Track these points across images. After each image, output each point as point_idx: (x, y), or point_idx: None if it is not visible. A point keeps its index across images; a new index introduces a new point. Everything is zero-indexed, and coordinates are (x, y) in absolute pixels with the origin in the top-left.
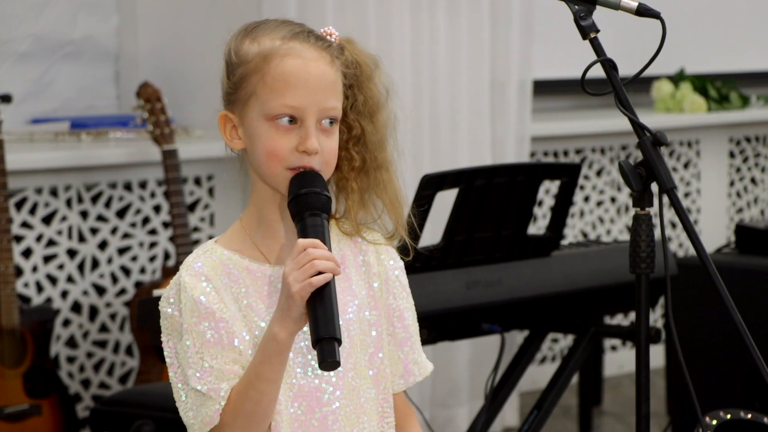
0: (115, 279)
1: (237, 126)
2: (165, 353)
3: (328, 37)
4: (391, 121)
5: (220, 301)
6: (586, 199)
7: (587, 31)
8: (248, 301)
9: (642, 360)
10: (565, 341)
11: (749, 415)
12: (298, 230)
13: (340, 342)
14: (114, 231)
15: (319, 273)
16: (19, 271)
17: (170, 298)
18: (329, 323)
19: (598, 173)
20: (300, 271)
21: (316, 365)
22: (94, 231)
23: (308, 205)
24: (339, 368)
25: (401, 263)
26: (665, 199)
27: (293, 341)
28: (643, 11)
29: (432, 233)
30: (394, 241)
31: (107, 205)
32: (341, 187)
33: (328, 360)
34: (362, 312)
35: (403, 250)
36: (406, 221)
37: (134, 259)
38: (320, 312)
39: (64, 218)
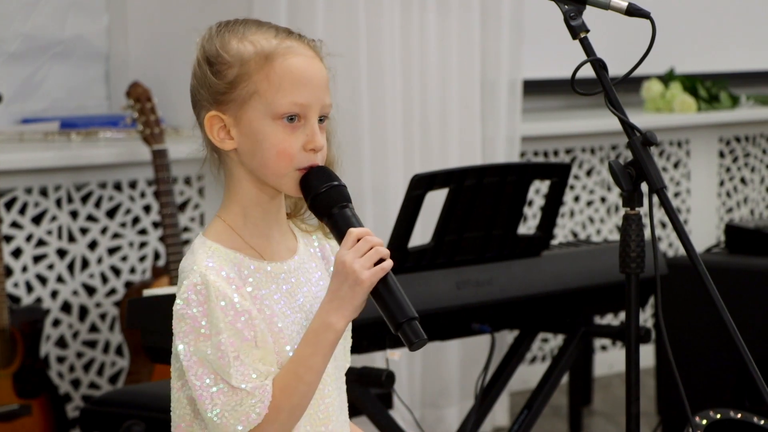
0: (105, 279)
1: (229, 126)
2: (182, 356)
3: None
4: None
5: (248, 299)
6: (576, 198)
7: (577, 31)
8: (264, 298)
9: (632, 360)
10: (555, 341)
11: (739, 415)
12: (329, 225)
13: (419, 320)
14: (104, 231)
15: (381, 260)
16: (8, 271)
17: (191, 300)
18: (405, 305)
19: (588, 173)
20: (365, 258)
21: None
22: (84, 231)
23: (334, 199)
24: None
25: None
26: (655, 198)
27: None
28: (633, 11)
29: (422, 233)
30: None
31: (97, 205)
32: None
33: (420, 339)
34: None
35: (398, 252)
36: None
37: (124, 259)
38: (391, 296)
39: (53, 218)
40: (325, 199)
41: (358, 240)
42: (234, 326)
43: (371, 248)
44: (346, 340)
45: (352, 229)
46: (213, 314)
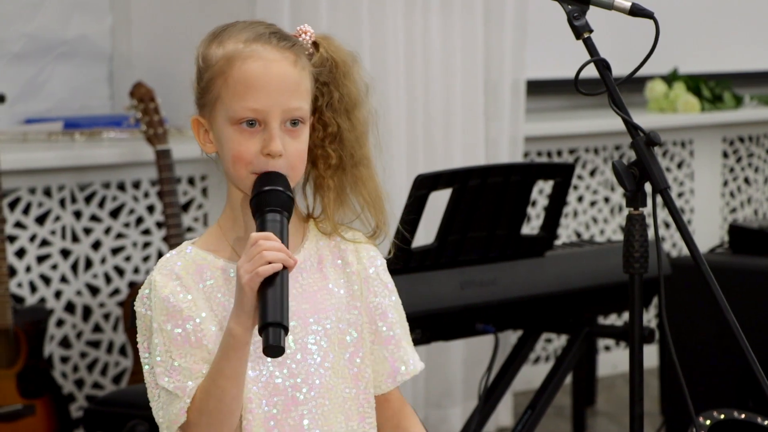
0: (108, 279)
1: (208, 130)
2: (140, 353)
3: (303, 35)
4: (371, 117)
5: (191, 300)
6: (580, 199)
7: (580, 31)
8: (221, 300)
9: (635, 360)
10: (559, 341)
11: (743, 415)
12: (257, 226)
13: (286, 330)
14: (107, 231)
15: (269, 264)
16: (12, 271)
17: (143, 298)
18: (276, 309)
19: (592, 173)
20: (250, 263)
21: (292, 363)
22: (87, 231)
23: (267, 202)
24: (281, 355)
25: (382, 261)
26: (659, 199)
27: (250, 337)
28: (636, 11)
29: (426, 233)
30: (377, 239)
31: (101, 205)
32: (318, 186)
33: (272, 345)
34: (340, 311)
35: (401, 252)
36: (400, 220)
37: (128, 259)
38: (269, 299)
39: (57, 218)
40: (261, 201)
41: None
42: (164, 326)
43: (259, 252)
44: (356, 351)
45: (253, 234)
46: (153, 313)
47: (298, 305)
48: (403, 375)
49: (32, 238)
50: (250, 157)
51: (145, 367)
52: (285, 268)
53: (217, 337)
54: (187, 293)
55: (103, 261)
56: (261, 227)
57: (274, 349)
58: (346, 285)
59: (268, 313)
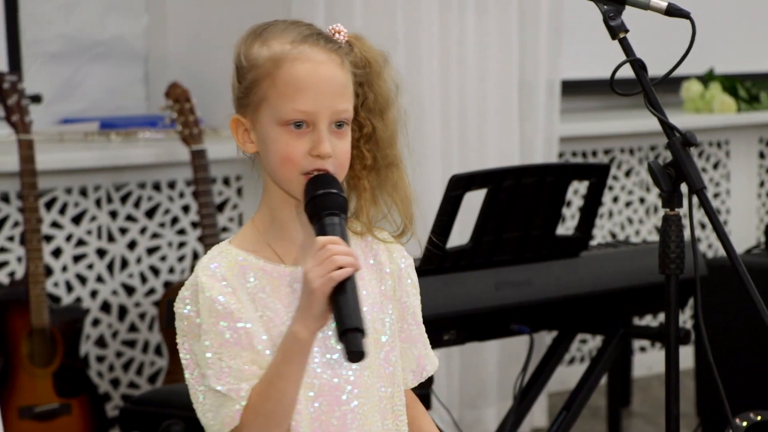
0: (144, 279)
1: (249, 130)
2: (181, 354)
3: (336, 35)
4: (400, 117)
5: (238, 301)
6: (615, 199)
7: (616, 31)
8: (266, 301)
9: (671, 361)
10: (594, 342)
11: None
12: (315, 230)
13: (365, 333)
14: (143, 231)
15: (340, 268)
16: (48, 271)
17: (186, 299)
18: (353, 315)
19: (627, 174)
20: (321, 267)
21: (336, 364)
22: (123, 231)
23: (325, 205)
24: (363, 360)
25: (411, 261)
26: (695, 199)
27: (314, 340)
28: (672, 11)
29: (460, 234)
30: (404, 238)
31: (136, 205)
32: (353, 186)
33: (354, 350)
34: (374, 312)
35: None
36: (434, 221)
37: (163, 259)
38: (343, 305)
39: (93, 218)
40: (318, 204)
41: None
42: (215, 327)
43: (330, 257)
44: (392, 350)
45: (318, 238)
46: (201, 315)
47: None
48: (427, 372)
49: (68, 238)
50: (298, 158)
51: (188, 369)
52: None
53: (264, 338)
54: (234, 294)
55: (138, 261)
56: (322, 231)
57: (357, 355)
58: (378, 284)
59: (347, 318)
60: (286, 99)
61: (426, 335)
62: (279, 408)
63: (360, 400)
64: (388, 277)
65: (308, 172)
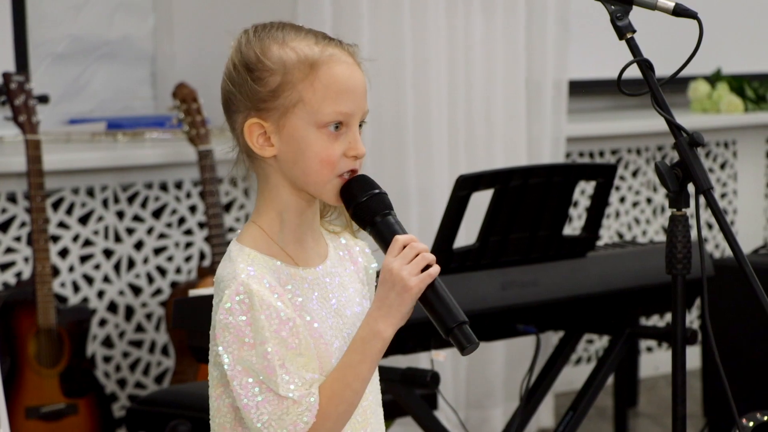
0: (150, 279)
1: (270, 133)
2: (226, 366)
3: None
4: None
5: (289, 306)
6: (622, 199)
7: (624, 31)
8: (301, 303)
9: (678, 361)
10: (601, 342)
11: None
12: (373, 234)
13: (469, 323)
14: (150, 231)
15: (428, 266)
16: (55, 271)
17: (234, 309)
18: (454, 309)
19: (634, 174)
20: (412, 265)
21: None
22: (130, 231)
23: (382, 205)
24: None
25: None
26: (702, 199)
27: None
28: (680, 11)
29: (467, 234)
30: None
31: (143, 205)
32: None
33: (472, 344)
34: (358, 309)
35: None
36: (441, 221)
37: (170, 259)
38: (440, 302)
39: (100, 218)
40: (367, 208)
41: (404, 247)
42: (279, 335)
43: (417, 254)
44: None
45: (398, 236)
46: (257, 323)
47: (345, 305)
48: None
49: (75, 238)
50: (336, 160)
51: (235, 379)
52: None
53: (312, 342)
54: (282, 299)
55: (145, 261)
56: (389, 229)
57: (473, 347)
58: (359, 282)
59: (454, 314)
60: (328, 101)
61: None
62: (351, 409)
63: (370, 397)
64: (362, 274)
65: (342, 175)
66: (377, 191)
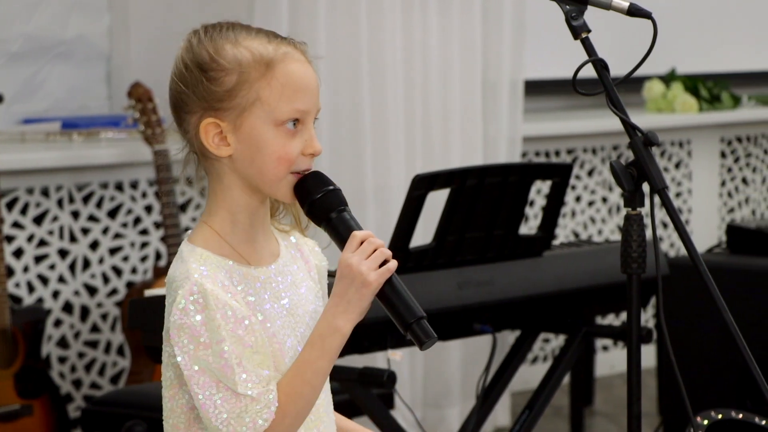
0: (106, 279)
1: (226, 133)
2: (182, 367)
3: None
4: None
5: (242, 304)
6: (578, 199)
7: (578, 31)
8: (254, 303)
9: (633, 360)
10: (557, 341)
11: (740, 415)
12: (328, 230)
13: (427, 318)
14: (105, 231)
15: (386, 261)
16: (10, 271)
17: (189, 309)
18: (412, 304)
19: (590, 173)
20: (371, 260)
21: None
22: (85, 231)
23: (336, 202)
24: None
25: (327, 261)
26: (656, 199)
27: None
28: (634, 11)
29: (423, 233)
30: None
31: (98, 205)
32: None
33: (431, 338)
34: (311, 307)
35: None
36: (397, 220)
37: (125, 259)
38: (398, 297)
39: (55, 218)
40: (322, 205)
41: (362, 242)
42: (235, 333)
43: (375, 250)
44: None
45: (355, 232)
46: (213, 322)
47: (298, 304)
48: None
49: (30, 238)
50: (294, 157)
51: (192, 379)
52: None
53: (267, 340)
54: (235, 297)
55: (101, 261)
56: (345, 226)
57: (431, 342)
58: (310, 279)
59: (412, 309)
60: (285, 99)
61: None
62: (309, 405)
63: (321, 395)
64: (314, 273)
65: (297, 172)
66: (332, 188)
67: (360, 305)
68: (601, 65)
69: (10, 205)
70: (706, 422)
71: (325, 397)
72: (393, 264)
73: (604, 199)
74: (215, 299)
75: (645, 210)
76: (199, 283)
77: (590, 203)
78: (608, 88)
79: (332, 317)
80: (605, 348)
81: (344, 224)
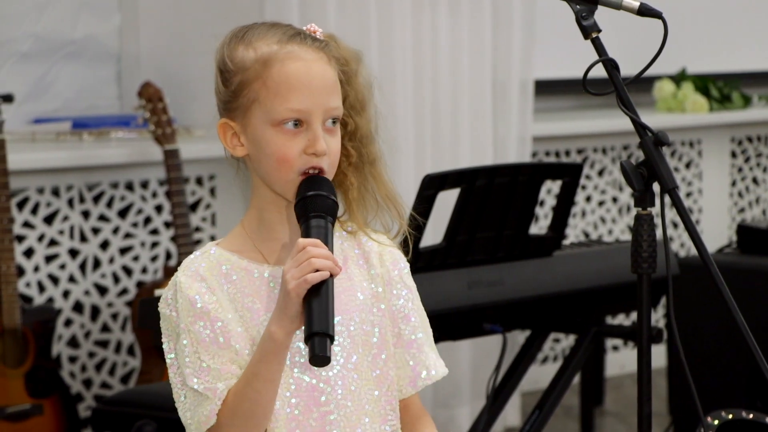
0: (116, 279)
1: (238, 133)
2: (165, 354)
3: (313, 35)
4: (376, 115)
5: (217, 301)
6: (588, 199)
7: (589, 30)
8: (245, 301)
9: (644, 360)
10: (567, 341)
11: (751, 415)
12: (302, 231)
13: (332, 339)
14: (116, 231)
15: (317, 271)
16: (20, 271)
17: (168, 299)
18: (323, 319)
19: (600, 173)
20: (297, 269)
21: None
22: (95, 231)
23: (314, 207)
24: (330, 365)
25: (406, 265)
26: (667, 199)
27: (291, 341)
28: (644, 11)
29: (434, 233)
30: (398, 239)
31: (109, 205)
32: (339, 183)
33: (319, 355)
34: (364, 312)
35: (404, 245)
36: (407, 220)
37: (136, 259)
38: (315, 308)
39: (65, 218)
40: (307, 205)
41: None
42: (192, 328)
43: (307, 259)
44: (383, 354)
45: (300, 240)
46: (180, 315)
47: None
48: (424, 380)
49: (40, 238)
50: (294, 158)
51: (171, 369)
52: (331, 275)
53: (243, 338)
54: (213, 294)
55: (111, 261)
56: (306, 233)
57: (320, 359)
58: (369, 286)
59: (314, 322)
60: (279, 99)
61: (426, 342)
62: (256, 408)
63: (342, 402)
64: (378, 280)
65: (304, 172)
66: (324, 193)
67: (286, 312)
68: (611, 65)
69: (20, 205)
70: (716, 422)
71: (361, 400)
72: (315, 275)
73: (615, 199)
74: (181, 292)
75: (655, 210)
76: (177, 276)
77: (600, 203)
78: (618, 88)
79: (270, 323)
80: (615, 348)
81: (308, 230)
